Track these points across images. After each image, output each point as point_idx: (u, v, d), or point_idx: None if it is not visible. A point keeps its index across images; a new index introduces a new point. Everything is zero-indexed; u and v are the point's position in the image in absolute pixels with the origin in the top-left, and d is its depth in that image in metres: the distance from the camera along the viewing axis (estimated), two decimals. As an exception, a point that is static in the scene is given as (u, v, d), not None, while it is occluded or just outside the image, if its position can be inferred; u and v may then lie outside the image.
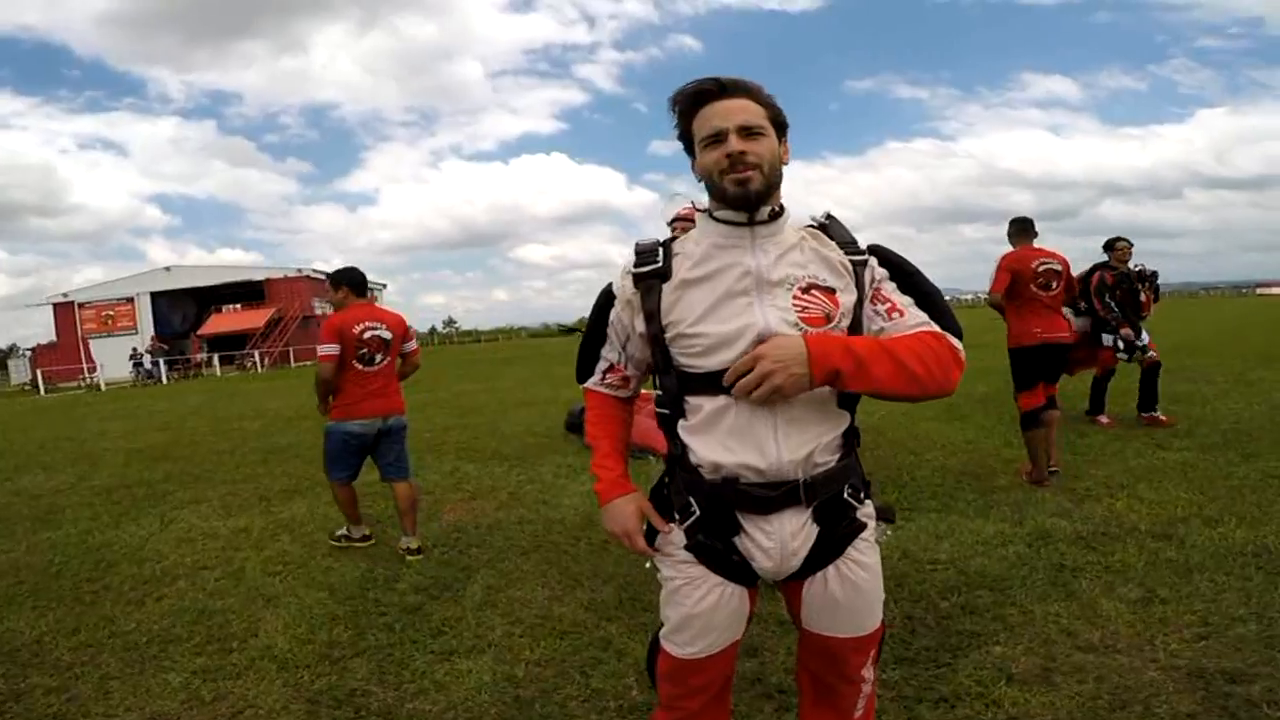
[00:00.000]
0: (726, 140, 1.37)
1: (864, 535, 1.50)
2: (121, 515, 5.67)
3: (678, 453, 1.48)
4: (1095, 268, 6.62)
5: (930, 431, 6.69)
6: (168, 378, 29.84)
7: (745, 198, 1.38)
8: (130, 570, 4.29)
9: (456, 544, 4.36)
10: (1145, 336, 6.64)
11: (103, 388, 27.69)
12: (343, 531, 4.57)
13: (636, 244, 1.51)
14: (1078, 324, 6.36)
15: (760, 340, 1.36)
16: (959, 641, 2.76)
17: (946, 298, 1.56)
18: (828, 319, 1.40)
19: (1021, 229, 5.12)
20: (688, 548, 1.48)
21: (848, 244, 1.47)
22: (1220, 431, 5.97)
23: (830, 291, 1.42)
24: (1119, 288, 6.47)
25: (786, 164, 1.46)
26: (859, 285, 1.45)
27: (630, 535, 1.53)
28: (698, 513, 1.46)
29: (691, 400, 1.44)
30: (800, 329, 1.38)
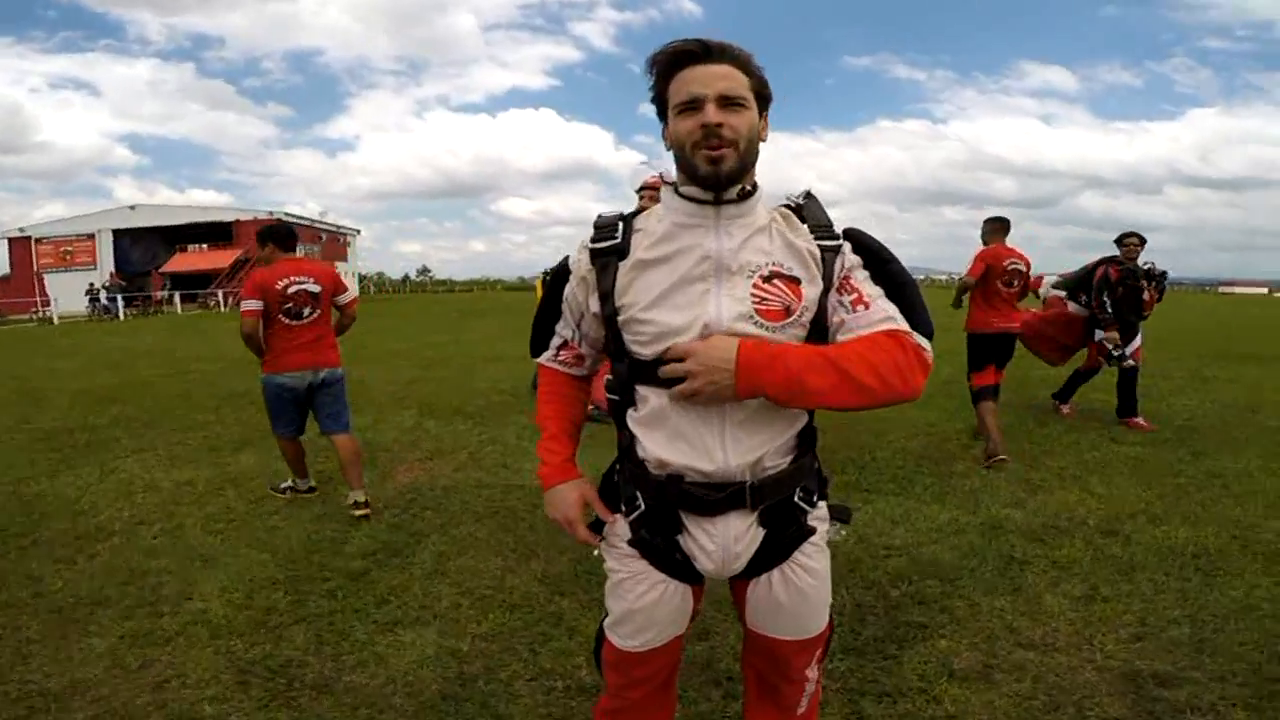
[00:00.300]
0: (703, 109, 1.26)
1: (813, 539, 1.44)
2: (60, 463, 5.47)
3: (625, 443, 1.42)
4: (1101, 261, 6.40)
5: (892, 412, 6.69)
6: (125, 314, 29.11)
7: (716, 177, 1.28)
8: (63, 525, 4.13)
9: (409, 507, 4.29)
10: (1138, 339, 6.48)
11: (55, 321, 26.95)
12: (287, 484, 4.53)
13: (598, 217, 1.42)
14: (1072, 308, 6.52)
15: (705, 334, 1.28)
16: (906, 633, 2.78)
17: (921, 277, 1.46)
18: (787, 312, 1.31)
19: (999, 227, 5.62)
20: (631, 542, 1.44)
21: (821, 228, 1.37)
22: (1173, 428, 6.09)
23: (794, 282, 1.32)
24: (1122, 284, 6.23)
25: (765, 141, 1.36)
26: (827, 275, 1.34)
27: (571, 524, 1.48)
28: (642, 507, 1.41)
29: (641, 390, 1.36)
30: (756, 321, 1.29)
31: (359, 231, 57.93)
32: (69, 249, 40.82)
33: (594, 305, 1.40)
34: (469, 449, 5.61)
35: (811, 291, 1.33)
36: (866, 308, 1.34)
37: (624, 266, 1.35)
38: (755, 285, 1.30)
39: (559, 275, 1.50)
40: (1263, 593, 3.06)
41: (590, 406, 1.73)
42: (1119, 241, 6.49)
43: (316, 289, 4.22)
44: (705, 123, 1.26)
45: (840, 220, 1.39)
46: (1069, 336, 6.57)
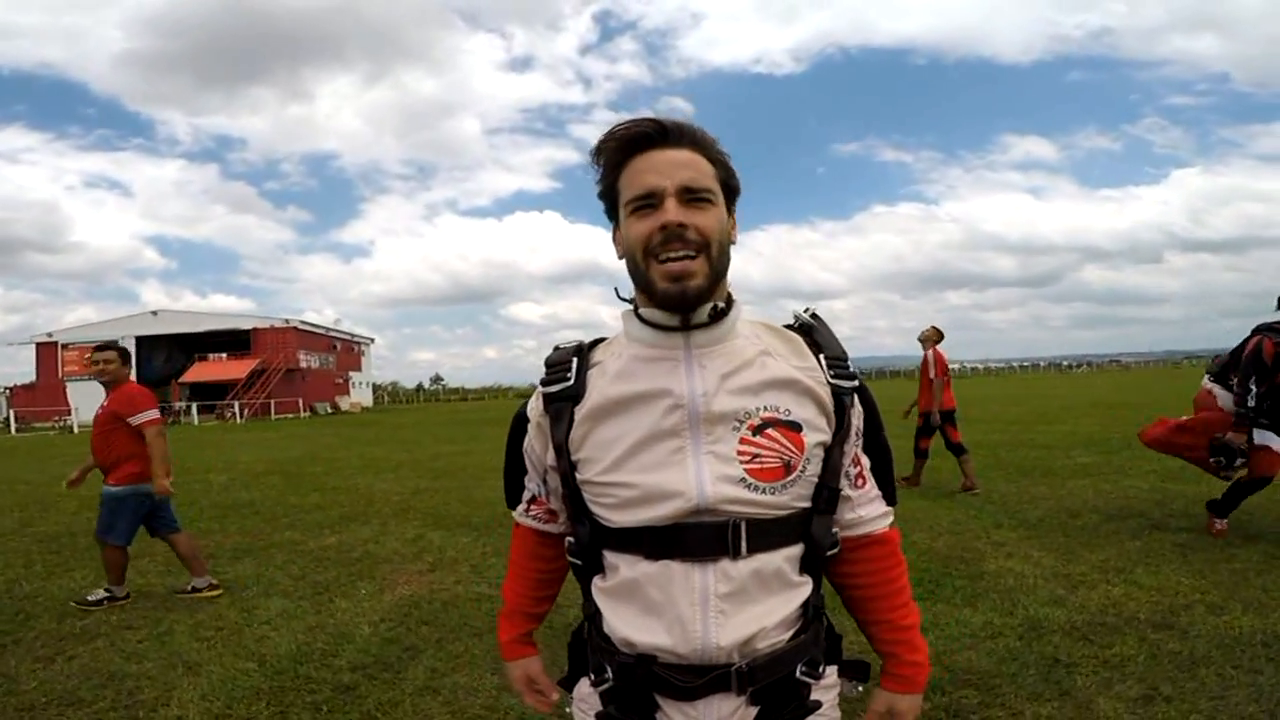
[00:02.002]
0: (662, 205, 1.03)
1: (820, 711, 1.16)
2: (57, 565, 5.48)
3: (589, 613, 1.17)
4: (1257, 330, 4.84)
5: (915, 511, 6.42)
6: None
7: (681, 295, 1.03)
8: (49, 625, 4.11)
9: (405, 620, 4.07)
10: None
11: (75, 430, 27.18)
12: (103, 594, 4.58)
13: (552, 351, 1.19)
14: (1224, 402, 5.07)
15: (697, 510, 1.03)
16: (944, 751, 2.49)
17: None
18: (787, 469, 1.05)
19: (940, 334, 7.76)
20: (600, 715, 1.18)
21: (837, 361, 1.12)
22: (1217, 511, 5.76)
23: (793, 429, 1.06)
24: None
25: (734, 244, 1.13)
26: (841, 421, 1.10)
27: (523, 698, 1.33)
28: (611, 682, 1.14)
29: (609, 557, 1.11)
30: (749, 484, 1.04)
31: (373, 340, 58.94)
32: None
33: (550, 458, 1.16)
34: (471, 561, 5.38)
35: (814, 438, 1.08)
36: (864, 486, 1.17)
37: (579, 414, 1.10)
38: (744, 439, 1.05)
39: (518, 422, 1.26)
40: (1345, 685, 2.75)
41: None
42: None
43: None
44: (665, 222, 1.02)
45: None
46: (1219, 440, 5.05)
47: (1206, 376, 5.37)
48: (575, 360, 1.14)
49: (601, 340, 1.19)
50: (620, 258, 1.13)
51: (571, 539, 1.17)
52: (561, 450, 1.12)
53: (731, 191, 1.11)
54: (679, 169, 1.04)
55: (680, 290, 1.03)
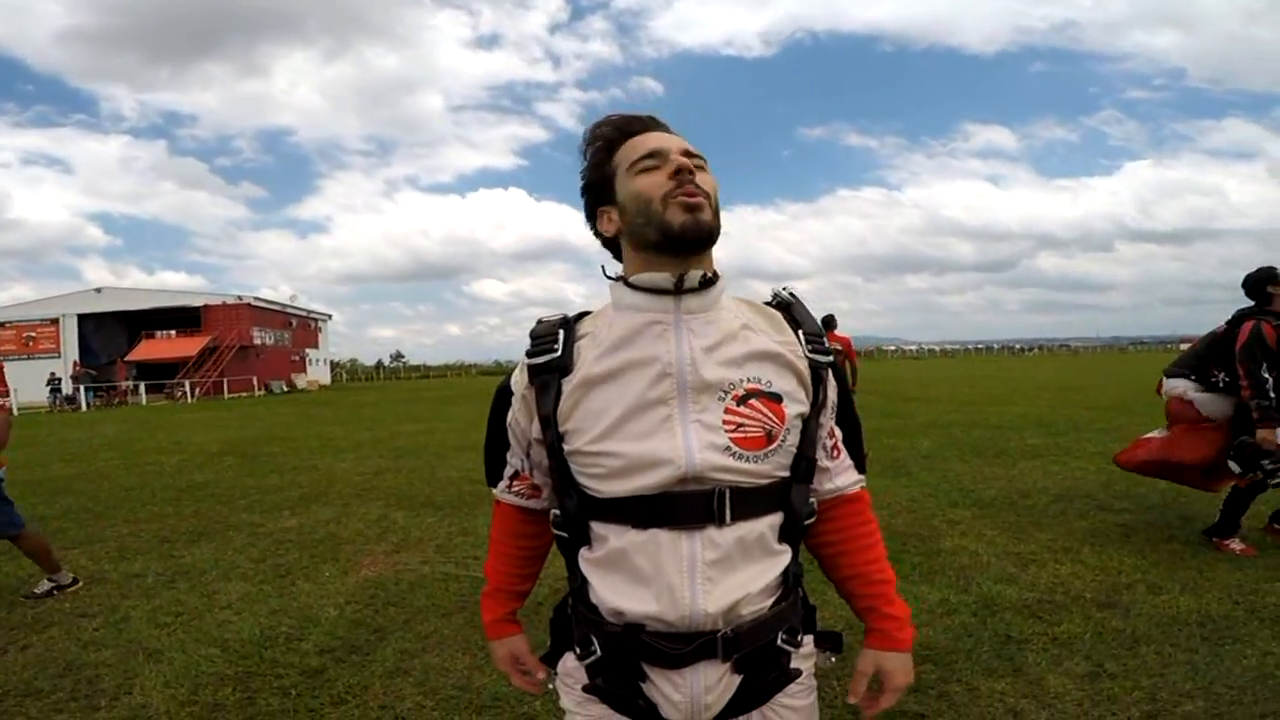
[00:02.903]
0: (670, 158, 1.11)
1: (800, 680, 1.22)
2: (3, 553, 5.18)
3: (576, 585, 1.20)
4: (1240, 316, 4.33)
5: (875, 488, 6.52)
6: (89, 405, 28.44)
7: (696, 226, 1.08)
8: None
9: (372, 601, 4.05)
10: None
11: (14, 413, 26.24)
12: (50, 584, 4.42)
13: (536, 323, 1.21)
14: (1210, 408, 4.39)
15: (685, 478, 1.07)
16: (903, 725, 2.58)
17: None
18: (769, 438, 1.10)
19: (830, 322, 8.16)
20: (586, 688, 1.22)
21: (815, 337, 1.16)
22: (1159, 491, 6.00)
23: (775, 400, 1.10)
24: None
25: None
26: (818, 394, 1.16)
27: (510, 679, 1.37)
28: (598, 653, 1.18)
29: (596, 528, 1.14)
30: (734, 453, 1.08)
31: (330, 316, 57.80)
32: (31, 335, 40.09)
33: (535, 431, 1.18)
34: (437, 541, 5.36)
35: (795, 409, 1.13)
36: (838, 456, 1.23)
37: (567, 385, 1.12)
38: (729, 409, 1.09)
39: (501, 396, 1.28)
40: (1276, 660, 2.93)
41: None
42: (1258, 285, 4.34)
43: None
44: (679, 165, 1.09)
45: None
46: (1210, 449, 4.37)
47: (1175, 383, 4.61)
48: (562, 332, 1.16)
49: (587, 314, 1.21)
50: (610, 236, 1.19)
51: (557, 511, 1.19)
52: (549, 422, 1.14)
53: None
54: (677, 139, 1.14)
55: (695, 221, 1.08)
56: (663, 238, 1.10)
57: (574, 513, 1.15)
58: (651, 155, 1.12)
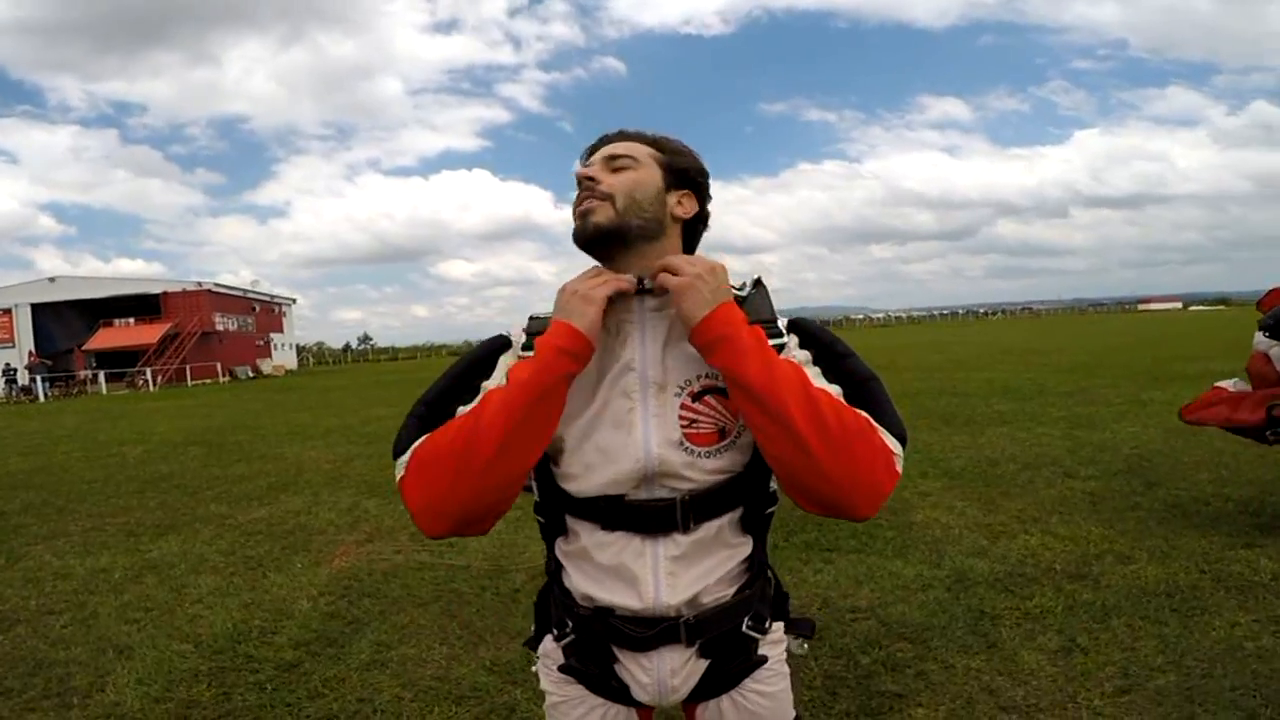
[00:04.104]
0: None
1: (768, 665, 1.25)
2: None
3: (552, 569, 1.26)
4: None
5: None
6: (46, 396, 27.74)
7: (584, 230, 1.13)
8: None
9: (346, 593, 3.99)
10: None
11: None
12: None
13: (530, 319, 1.20)
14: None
15: (646, 474, 1.11)
16: (880, 704, 2.61)
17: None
18: (721, 435, 1.12)
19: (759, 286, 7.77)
20: (562, 668, 1.27)
21: (763, 324, 1.14)
22: (1122, 457, 6.14)
23: (728, 396, 1.10)
24: None
25: (684, 218, 1.19)
26: None
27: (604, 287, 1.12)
28: (572, 636, 1.23)
29: (570, 522, 1.19)
30: (685, 448, 1.11)
31: (295, 300, 56.82)
32: (-16, 325, 39.09)
33: None
34: (410, 529, 5.28)
35: None
36: None
37: None
38: (684, 405, 1.11)
39: (496, 346, 1.22)
40: (1243, 631, 2.97)
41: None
42: None
43: None
44: (578, 175, 1.16)
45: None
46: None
47: (1259, 338, 4.20)
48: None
49: None
50: None
51: (536, 499, 1.23)
52: None
53: (678, 173, 1.19)
54: (609, 149, 1.19)
55: (583, 226, 1.14)
56: (578, 246, 1.17)
57: (550, 506, 1.20)
58: (579, 180, 1.18)
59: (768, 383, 1.01)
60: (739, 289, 1.20)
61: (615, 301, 1.13)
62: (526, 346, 1.14)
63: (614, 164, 1.17)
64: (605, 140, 1.22)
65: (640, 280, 1.13)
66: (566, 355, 1.06)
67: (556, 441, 1.15)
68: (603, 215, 1.13)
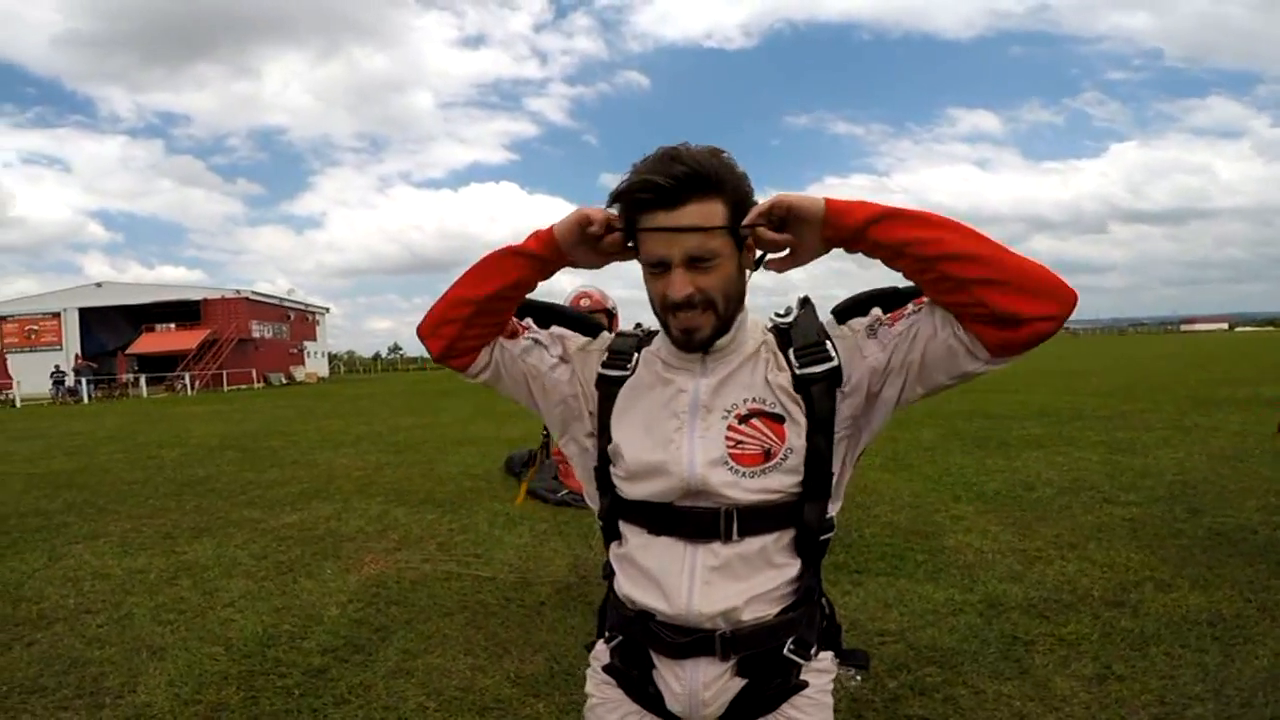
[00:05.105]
0: (670, 274, 1.13)
1: (809, 692, 1.24)
2: (7, 548, 5.29)
3: (608, 574, 1.34)
4: None
5: (877, 483, 6.53)
6: (90, 397, 28.49)
7: (688, 345, 1.19)
8: (3, 610, 3.98)
9: (374, 600, 4.02)
10: None
11: (18, 404, 26.32)
12: None
13: (615, 336, 1.35)
14: None
15: (689, 488, 1.18)
16: (909, 729, 2.56)
17: None
18: (767, 455, 1.16)
19: None
20: (606, 668, 1.34)
21: (808, 350, 1.18)
22: (1165, 483, 5.97)
23: (778, 420, 1.17)
24: None
25: (753, 272, 1.21)
26: (812, 412, 1.16)
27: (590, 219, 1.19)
28: (620, 638, 1.31)
29: (623, 526, 1.28)
30: (730, 467, 1.17)
31: (328, 309, 57.84)
32: (34, 328, 40.47)
33: (588, 424, 1.31)
34: (438, 538, 5.33)
35: (796, 429, 1.17)
36: (920, 310, 1.15)
37: (622, 393, 1.27)
38: (730, 427, 1.18)
39: (585, 322, 1.40)
40: (1288, 662, 2.87)
41: (564, 492, 1.59)
42: None
43: None
44: (674, 300, 1.14)
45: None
46: None
47: None
48: (637, 355, 1.30)
49: (655, 333, 1.33)
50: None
51: (597, 509, 1.33)
52: (605, 428, 1.27)
53: (741, 215, 1.13)
54: (684, 239, 1.11)
55: (688, 341, 1.19)
56: (669, 339, 1.23)
57: (608, 511, 1.29)
58: (658, 264, 1.15)
59: (937, 218, 1.08)
60: (784, 314, 1.26)
61: (679, 353, 1.23)
62: (607, 365, 1.30)
63: (700, 265, 1.13)
64: (660, 197, 1.10)
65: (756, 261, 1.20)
66: (524, 249, 1.22)
67: (614, 447, 1.25)
68: (709, 328, 1.17)
